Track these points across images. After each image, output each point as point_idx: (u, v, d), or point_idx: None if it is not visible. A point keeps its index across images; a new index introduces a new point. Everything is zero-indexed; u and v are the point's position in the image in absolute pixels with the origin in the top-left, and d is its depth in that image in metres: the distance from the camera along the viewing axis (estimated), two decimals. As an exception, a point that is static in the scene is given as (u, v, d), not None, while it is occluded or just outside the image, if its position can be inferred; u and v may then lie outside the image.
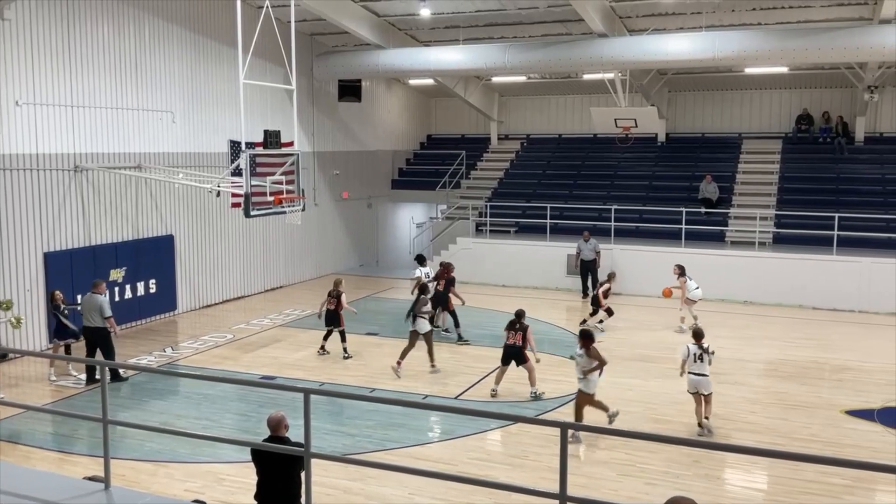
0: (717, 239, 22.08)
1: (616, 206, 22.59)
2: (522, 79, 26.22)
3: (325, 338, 15.36)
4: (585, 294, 21.07)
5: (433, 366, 14.38)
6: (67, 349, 13.97)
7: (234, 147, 19.20)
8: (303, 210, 15.71)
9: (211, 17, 19.09)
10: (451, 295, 16.63)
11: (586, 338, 11.06)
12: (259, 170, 14.94)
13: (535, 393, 12.78)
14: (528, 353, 12.83)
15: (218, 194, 16.28)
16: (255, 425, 11.21)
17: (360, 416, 11.88)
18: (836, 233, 20.01)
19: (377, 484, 9.51)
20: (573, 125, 28.23)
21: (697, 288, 17.28)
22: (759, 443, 10.89)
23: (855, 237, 20.31)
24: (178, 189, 18.17)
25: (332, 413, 12.07)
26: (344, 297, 15.24)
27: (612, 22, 19.93)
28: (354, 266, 25.89)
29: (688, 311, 17.25)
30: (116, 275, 16.84)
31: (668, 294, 17.58)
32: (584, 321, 17.70)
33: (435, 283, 16.82)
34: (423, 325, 14.25)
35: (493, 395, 12.88)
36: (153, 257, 17.86)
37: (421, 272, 17.75)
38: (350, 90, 24.69)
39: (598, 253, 20.82)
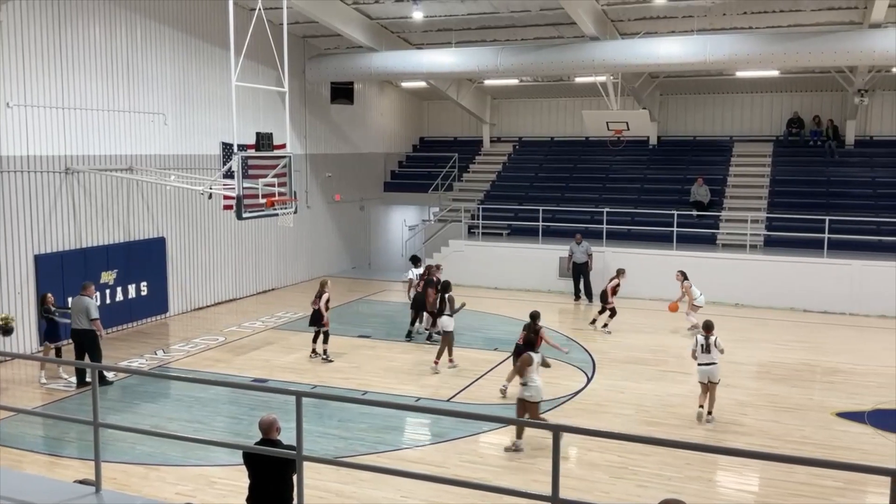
0: (709, 242, 22.15)
1: (608, 209, 22.64)
2: (515, 82, 26.27)
3: (314, 340, 15.31)
4: (577, 296, 21.11)
5: (451, 361, 14.66)
6: (58, 352, 13.91)
7: (226, 149, 19.05)
8: (295, 212, 15.68)
9: (203, 19, 19.05)
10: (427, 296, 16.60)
11: (533, 343, 11.02)
12: (251, 172, 14.90)
13: (505, 388, 12.87)
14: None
15: (210, 196, 16.22)
16: (247, 428, 11.18)
17: (353, 418, 11.86)
18: (826, 236, 20.10)
19: (370, 487, 9.49)
20: (565, 128, 28.27)
21: (701, 294, 17.27)
22: (751, 445, 10.91)
23: (845, 240, 20.39)
24: (170, 191, 18.13)
25: (325, 416, 12.04)
26: (325, 298, 15.02)
27: (604, 25, 19.98)
28: (347, 268, 25.86)
29: (695, 317, 16.78)
30: (107, 277, 16.77)
31: (674, 309, 17.43)
32: (594, 321, 17.72)
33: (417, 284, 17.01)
34: (449, 324, 14.61)
35: (502, 392, 12.94)
36: (144, 260, 17.79)
37: (413, 273, 17.76)
38: (342, 92, 24.67)
39: (590, 255, 20.86)
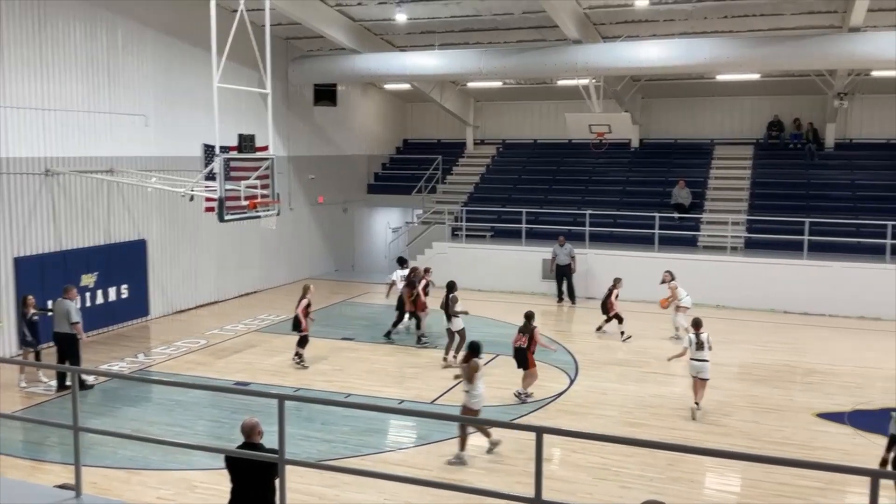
0: (690, 244, 22.28)
1: (590, 211, 22.73)
2: (498, 84, 26.33)
3: (298, 345, 15.18)
4: (560, 298, 21.18)
5: (455, 357, 14.81)
6: (38, 356, 13.77)
7: (208, 151, 19.06)
8: (277, 214, 15.62)
9: (184, 20, 18.94)
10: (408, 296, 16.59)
11: (469, 351, 10.81)
12: (233, 174, 14.83)
13: (519, 393, 12.81)
14: (533, 357, 12.85)
15: (191, 198, 16.15)
16: (229, 432, 11.11)
17: (336, 421, 11.82)
18: (806, 238, 20.28)
19: (353, 490, 9.47)
20: (548, 131, 28.35)
21: (687, 295, 17.27)
22: (733, 446, 10.97)
23: (825, 242, 20.58)
24: (151, 193, 18.02)
25: (307, 419, 12.00)
26: (303, 303, 14.82)
27: (587, 28, 20.07)
28: (330, 271, 25.79)
29: (683, 318, 16.65)
30: (88, 280, 16.63)
31: (665, 304, 17.27)
32: (600, 328, 17.57)
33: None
34: (457, 323, 14.97)
35: (524, 399, 12.95)
36: (125, 262, 17.66)
37: (397, 275, 17.73)
38: (326, 94, 24.62)
39: (573, 258, 20.93)
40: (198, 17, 18.68)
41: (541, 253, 21.91)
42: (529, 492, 5.10)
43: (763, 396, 13.29)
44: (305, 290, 15.05)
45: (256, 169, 14.98)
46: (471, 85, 26.65)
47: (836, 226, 20.93)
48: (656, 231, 21.63)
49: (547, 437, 5.16)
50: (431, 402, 12.91)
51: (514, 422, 11.65)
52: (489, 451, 10.70)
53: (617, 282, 17.61)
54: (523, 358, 12.81)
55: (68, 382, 13.43)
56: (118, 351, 15.90)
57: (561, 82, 24.82)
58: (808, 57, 18.21)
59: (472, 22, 20.84)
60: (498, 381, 14.09)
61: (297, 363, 14.82)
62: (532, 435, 5.09)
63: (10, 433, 11.44)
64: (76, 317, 13.25)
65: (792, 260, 20.19)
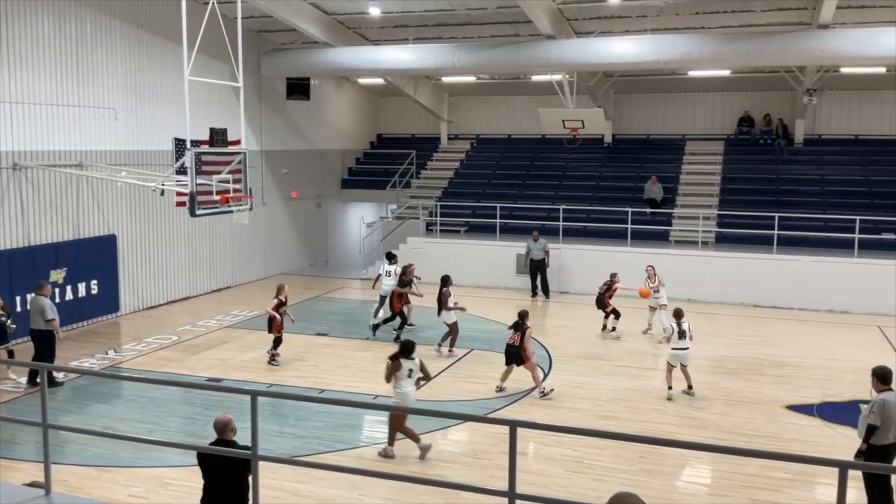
0: (662, 238, 22.48)
1: (564, 206, 22.83)
2: (472, 79, 26.33)
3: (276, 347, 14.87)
4: (535, 293, 21.26)
5: (451, 351, 15.30)
6: (10, 354, 13.55)
7: (179, 145, 18.77)
8: (250, 209, 15.50)
9: (155, 12, 18.71)
10: (397, 292, 16.60)
11: (398, 350, 10.57)
12: (205, 168, 14.67)
13: (543, 391, 12.79)
14: (526, 354, 12.88)
15: (162, 193, 15.96)
16: (201, 428, 11.03)
17: (310, 417, 11.78)
18: (776, 232, 20.53)
19: (326, 486, 9.44)
20: (522, 126, 28.43)
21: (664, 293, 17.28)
22: (704, 438, 11.10)
23: (794, 237, 20.86)
24: (121, 188, 17.79)
25: (281, 415, 11.95)
26: (274, 302, 14.63)
27: (560, 24, 20.13)
28: (304, 266, 25.67)
29: (665, 316, 16.39)
30: (57, 275, 16.40)
31: (647, 294, 16.87)
32: (605, 327, 17.18)
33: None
34: (449, 317, 15.29)
35: (498, 391, 13.03)
36: (95, 257, 17.44)
37: (383, 269, 17.72)
38: (299, 88, 24.47)
39: (546, 252, 21.02)
40: (168, 10, 18.48)
41: (515, 248, 21.97)
42: (503, 485, 5.12)
43: (734, 389, 13.45)
44: (279, 290, 14.86)
45: (228, 163, 14.84)
46: (445, 79, 26.63)
47: (805, 220, 21.22)
48: (629, 226, 21.78)
49: (521, 431, 5.18)
50: (406, 397, 12.89)
51: (488, 416, 11.67)
52: (380, 454, 10.44)
53: (614, 276, 17.25)
54: (515, 355, 12.86)
55: (38, 379, 13.28)
56: (88, 347, 15.71)
57: (535, 77, 24.89)
58: (778, 53, 18.40)
59: (445, 16, 20.81)
60: (472, 375, 14.15)
61: (269, 361, 14.67)
62: (506, 429, 5.10)
63: (-22, 431, 11.27)
64: (51, 313, 13.07)
65: (762, 254, 20.44)
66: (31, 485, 6.35)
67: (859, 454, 8.31)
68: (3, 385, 13.28)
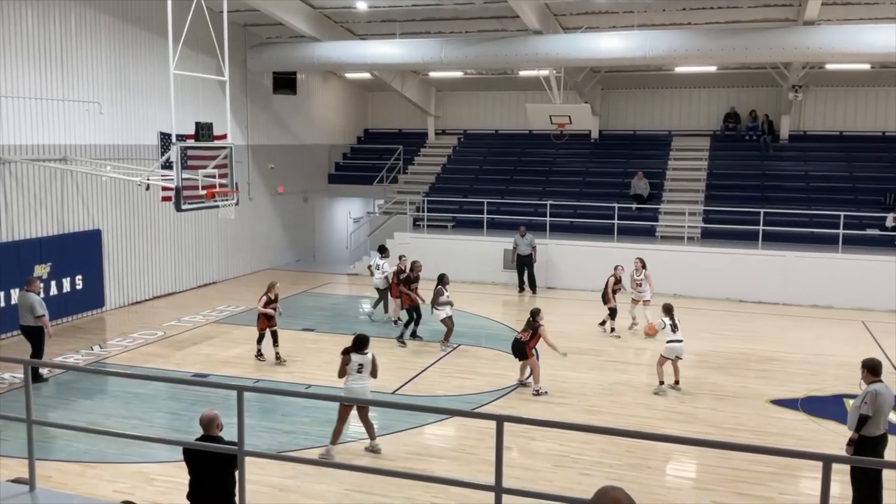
0: (648, 234, 22.55)
1: (551, 202, 22.87)
2: (459, 74, 26.31)
3: (275, 343, 14.58)
4: (522, 288, 21.29)
5: (445, 343, 15.44)
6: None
7: (165, 139, 18.74)
8: (236, 204, 15.43)
9: (140, 6, 18.57)
10: (404, 291, 16.36)
11: (352, 344, 10.38)
12: (191, 163, 14.64)
13: (538, 390, 12.75)
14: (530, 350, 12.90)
15: (147, 188, 15.87)
16: (187, 424, 11.00)
17: (297, 412, 11.76)
18: (761, 228, 20.64)
19: (313, 481, 9.43)
20: (509, 121, 28.44)
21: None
22: (689, 432, 11.17)
23: (779, 232, 21.00)
24: (106, 182, 17.68)
25: (267, 410, 11.92)
26: (263, 299, 14.39)
27: (547, 19, 20.14)
28: (290, 261, 25.59)
29: (649, 311, 16.60)
30: (41, 271, 16.27)
31: (653, 332, 15.58)
32: (604, 323, 16.94)
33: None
34: (439, 314, 15.34)
35: (521, 385, 13.13)
36: (80, 252, 17.31)
37: (374, 262, 17.70)
38: (285, 82, 24.36)
39: (533, 248, 21.05)
40: (153, 3, 18.38)
41: (502, 243, 21.99)
42: (490, 480, 5.13)
43: (719, 384, 13.52)
44: (269, 287, 14.57)
45: (214, 158, 14.78)
46: (432, 75, 26.59)
47: (790, 216, 21.35)
48: (615, 221, 21.84)
49: (507, 426, 5.19)
50: (393, 393, 12.90)
51: (475, 411, 11.69)
52: (367, 448, 10.32)
53: (616, 269, 16.94)
54: (521, 350, 12.88)
55: (43, 373, 13.28)
56: (73, 343, 15.61)
57: (522, 73, 24.90)
58: (763, 50, 18.49)
59: (432, 11, 20.77)
60: (459, 370, 14.16)
61: (256, 356, 14.53)
62: (492, 423, 5.11)
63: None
64: (40, 310, 12.98)
65: (747, 250, 20.55)
66: (16, 481, 6.31)
67: (851, 443, 8.40)
68: (-13, 381, 13.18)
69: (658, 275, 19.68)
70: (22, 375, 13.04)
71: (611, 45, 19.39)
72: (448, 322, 15.44)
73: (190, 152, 14.71)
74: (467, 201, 24.65)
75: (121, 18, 18.18)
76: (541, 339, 13.02)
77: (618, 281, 16.81)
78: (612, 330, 16.78)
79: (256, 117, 23.57)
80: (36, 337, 13.04)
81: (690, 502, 9.21)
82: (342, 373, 10.24)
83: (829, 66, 22.23)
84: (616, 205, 22.20)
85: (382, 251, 18.34)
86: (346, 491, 9.23)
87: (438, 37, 21.90)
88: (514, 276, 21.60)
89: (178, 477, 8.33)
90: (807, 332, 17.29)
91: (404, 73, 25.99)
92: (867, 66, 22.08)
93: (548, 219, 22.38)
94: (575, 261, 21.47)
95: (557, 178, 25.58)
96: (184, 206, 13.95)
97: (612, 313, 16.77)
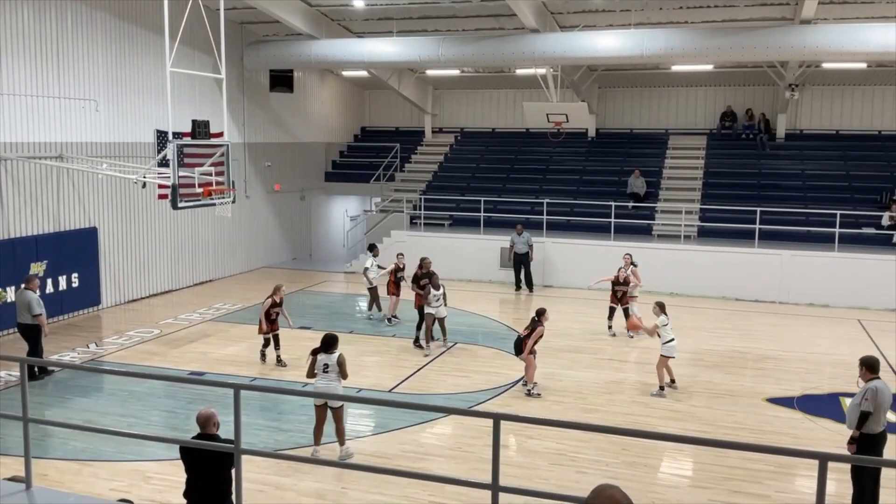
0: (645, 232, 22.56)
1: (548, 200, 22.88)
2: (456, 72, 26.29)
3: (276, 346, 14.38)
4: (518, 287, 21.29)
5: (431, 341, 15.30)
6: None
7: (161, 137, 18.72)
8: (233, 202, 15.40)
9: (136, 3, 18.53)
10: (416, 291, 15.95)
11: (328, 343, 10.26)
12: (187, 160, 14.60)
13: (530, 390, 12.71)
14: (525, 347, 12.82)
15: (144, 185, 15.85)
16: (184, 422, 10.99)
17: (293, 411, 11.75)
18: (757, 226, 20.67)
19: (310, 479, 9.43)
20: (506, 119, 28.44)
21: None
22: (686, 430, 11.19)
23: (775, 231, 21.02)
24: (102, 180, 17.64)
25: (264, 408, 11.91)
26: (267, 302, 14.08)
27: (544, 18, 20.14)
28: (287, 259, 25.57)
29: (635, 307, 16.54)
30: (37, 268, 16.23)
31: (634, 327, 14.96)
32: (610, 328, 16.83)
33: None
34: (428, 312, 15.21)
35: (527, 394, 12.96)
36: (76, 250, 17.28)
37: (369, 262, 17.67)
38: (282, 80, 24.33)
39: (530, 246, 21.05)
40: (150, 1, 18.34)
41: (499, 241, 21.99)
42: (487, 478, 5.13)
43: (715, 382, 13.54)
44: (275, 290, 14.23)
45: (211, 156, 14.75)
46: (429, 73, 26.57)
47: (787, 215, 21.37)
48: (612, 220, 21.85)
49: (504, 424, 5.19)
50: (389, 391, 12.91)
51: (472, 409, 11.69)
52: (340, 456, 10.12)
53: (619, 270, 16.72)
54: (517, 346, 12.87)
55: (44, 369, 13.28)
56: (69, 340, 15.59)
57: (519, 71, 24.88)
58: (760, 48, 18.49)
59: (430, 9, 20.76)
60: (456, 369, 14.17)
61: (277, 362, 14.11)
62: (489, 422, 5.11)
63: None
64: (38, 308, 12.95)
65: (743, 248, 20.57)
66: (12, 479, 6.29)
67: (852, 441, 8.41)
68: (-17, 379, 13.16)
69: (654, 273, 19.77)
70: (18, 373, 13.06)
71: (608, 43, 19.39)
72: (429, 319, 15.15)
73: (186, 150, 14.68)
74: (464, 199, 24.64)
75: (117, 16, 18.13)
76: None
77: (618, 282, 16.77)
78: (610, 328, 16.80)
79: (253, 115, 23.53)
80: (33, 335, 13.02)
81: (687, 500, 9.22)
82: (310, 373, 10.18)
83: (825, 65, 22.26)
84: (613, 203, 22.21)
85: (372, 249, 18.34)
86: (342, 489, 9.23)
87: (436, 35, 21.88)
88: (510, 275, 21.59)
89: (175, 475, 8.32)
90: (803, 330, 17.32)
91: (401, 71, 25.97)
92: (863, 65, 22.11)
93: (544, 217, 22.38)
94: (571, 259, 21.49)
95: (554, 177, 25.58)
96: (180, 204, 13.93)
97: (611, 313, 16.77)
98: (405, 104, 28.60)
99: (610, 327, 16.72)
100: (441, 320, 15.39)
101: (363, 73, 26.10)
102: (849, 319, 18.16)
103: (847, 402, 9.08)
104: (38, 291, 13.50)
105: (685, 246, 21.28)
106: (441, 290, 15.40)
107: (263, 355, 14.36)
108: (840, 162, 23.88)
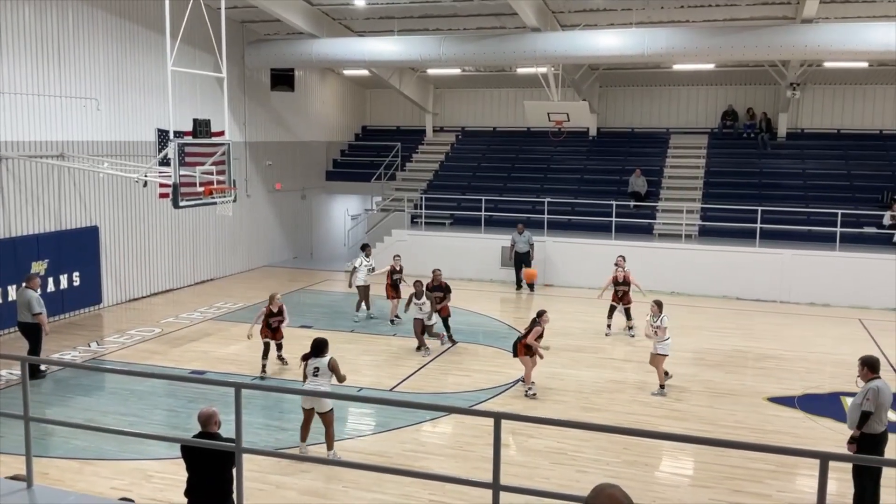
0: (646, 231, 22.56)
1: (549, 199, 22.87)
2: (457, 71, 26.28)
3: (279, 348, 14.22)
4: (519, 286, 21.29)
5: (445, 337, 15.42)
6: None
7: (162, 136, 18.72)
8: (234, 201, 15.43)
9: (137, 2, 18.53)
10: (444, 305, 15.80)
11: (318, 347, 10.26)
12: (188, 159, 14.59)
13: (527, 390, 12.68)
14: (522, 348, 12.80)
15: (145, 184, 15.87)
16: (185, 421, 11.00)
17: (294, 409, 11.73)
18: (758, 226, 20.66)
19: (311, 478, 9.44)
20: (507, 118, 28.43)
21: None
22: (687, 430, 11.18)
23: (777, 230, 21.00)
24: (104, 179, 17.64)
25: (265, 407, 11.92)
26: (262, 313, 13.84)
27: (545, 17, 20.13)
28: (288, 258, 25.58)
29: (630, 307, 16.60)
30: (38, 267, 16.24)
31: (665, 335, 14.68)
32: (630, 328, 16.79)
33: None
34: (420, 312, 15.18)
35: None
36: (77, 249, 17.29)
37: (359, 262, 17.64)
38: (283, 79, 24.33)
39: (531, 245, 21.05)
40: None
41: (500, 240, 21.98)
42: (488, 477, 5.13)
43: (716, 381, 13.54)
44: (270, 299, 13.92)
45: (212, 154, 14.76)
46: (430, 72, 26.56)
47: (788, 214, 21.36)
48: (613, 219, 21.84)
49: (505, 423, 5.19)
50: (390, 390, 12.91)
51: (473, 408, 11.69)
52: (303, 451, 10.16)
53: (616, 270, 16.76)
54: (514, 345, 12.86)
55: (42, 368, 13.29)
56: (70, 339, 15.60)
57: (520, 70, 24.87)
58: (761, 47, 18.48)
59: (431, 8, 20.75)
60: (456, 368, 14.17)
61: (279, 360, 14.03)
62: (490, 421, 5.11)
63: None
64: (38, 307, 12.96)
65: (744, 248, 20.56)
66: (13, 478, 6.29)
67: (853, 441, 8.41)
68: (-16, 377, 13.17)
69: (655, 272, 19.77)
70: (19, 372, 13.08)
71: (609, 42, 19.37)
72: (416, 325, 15.08)
73: (187, 149, 14.66)
74: (465, 199, 24.64)
75: (118, 15, 18.14)
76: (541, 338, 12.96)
77: (619, 282, 16.76)
78: (609, 327, 16.77)
79: (254, 114, 23.54)
80: (33, 334, 13.03)
81: (688, 500, 9.22)
82: (305, 376, 10.27)
83: (826, 64, 22.24)
84: (614, 202, 22.21)
85: (364, 248, 18.34)
86: (343, 488, 9.23)
87: (437, 34, 21.88)
88: (511, 274, 21.60)
89: (176, 474, 8.33)
90: (804, 329, 17.31)
91: (402, 70, 25.97)
92: (865, 64, 22.07)
93: (545, 216, 22.38)
94: (572, 258, 21.48)
95: (555, 176, 25.57)
96: (181, 203, 13.94)
97: (610, 313, 16.75)
98: (406, 103, 28.59)
99: (609, 326, 16.68)
100: (429, 327, 15.21)
101: (364, 72, 26.11)
102: (850, 319, 18.15)
103: (848, 401, 9.07)
104: (39, 290, 13.51)
105: (686, 245, 21.27)
106: (423, 300, 15.05)
107: (264, 367, 13.68)
108: (841, 161, 23.87)
